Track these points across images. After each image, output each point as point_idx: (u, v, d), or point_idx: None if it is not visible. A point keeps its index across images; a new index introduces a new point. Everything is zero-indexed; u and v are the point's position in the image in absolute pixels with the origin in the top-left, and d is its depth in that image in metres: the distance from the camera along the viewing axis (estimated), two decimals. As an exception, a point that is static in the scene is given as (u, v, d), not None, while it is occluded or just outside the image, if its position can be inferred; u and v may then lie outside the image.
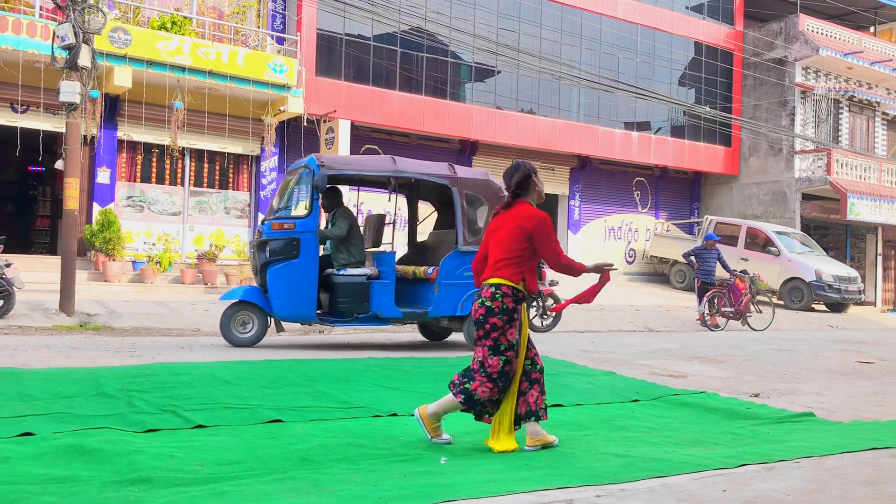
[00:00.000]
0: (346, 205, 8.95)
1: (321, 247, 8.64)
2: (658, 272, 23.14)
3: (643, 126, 22.31)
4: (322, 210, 8.49)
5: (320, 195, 8.19)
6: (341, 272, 8.35)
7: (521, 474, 3.44)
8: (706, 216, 21.87)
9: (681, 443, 4.29)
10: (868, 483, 3.33)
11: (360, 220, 9.93)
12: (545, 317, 11.79)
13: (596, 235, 22.26)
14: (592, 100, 21.20)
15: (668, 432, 4.63)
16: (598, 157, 21.42)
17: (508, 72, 19.67)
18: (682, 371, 7.53)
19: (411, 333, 10.64)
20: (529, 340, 4.24)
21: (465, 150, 19.63)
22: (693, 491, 3.16)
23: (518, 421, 4.13)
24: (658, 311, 16.01)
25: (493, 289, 4.08)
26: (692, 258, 14.36)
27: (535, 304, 11.58)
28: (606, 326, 12.94)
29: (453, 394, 4.09)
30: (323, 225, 8.74)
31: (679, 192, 24.64)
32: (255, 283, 8.82)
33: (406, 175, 8.78)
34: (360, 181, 9.43)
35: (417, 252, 9.93)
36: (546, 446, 4.10)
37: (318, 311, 8.26)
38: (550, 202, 21.83)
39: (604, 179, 22.35)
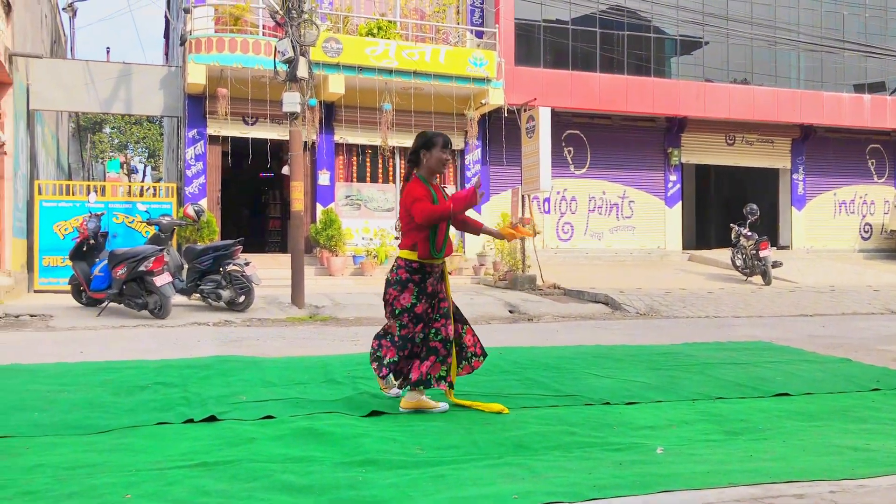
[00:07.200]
0: None
1: None
2: (899, 248, 20.90)
3: (876, 87, 20.18)
4: None
5: None
6: None
7: (744, 465, 3.27)
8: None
9: (932, 437, 3.85)
10: None
11: None
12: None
13: (824, 210, 20.53)
14: (814, 63, 19.54)
15: (916, 425, 4.18)
16: (823, 126, 19.72)
17: (717, 42, 18.64)
18: (931, 357, 6.75)
19: (594, 321, 10.41)
20: (457, 310, 4.64)
21: (673, 128, 18.86)
22: (948, 491, 2.83)
23: (409, 384, 4.43)
24: (900, 290, 14.44)
25: (394, 263, 4.56)
26: (941, 230, 12.82)
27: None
28: (839, 309, 11.90)
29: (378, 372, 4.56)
30: None
31: (922, 157, 22.07)
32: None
33: None
34: None
35: None
36: (420, 410, 4.40)
37: None
38: (770, 178, 20.46)
39: (831, 149, 20.51)
